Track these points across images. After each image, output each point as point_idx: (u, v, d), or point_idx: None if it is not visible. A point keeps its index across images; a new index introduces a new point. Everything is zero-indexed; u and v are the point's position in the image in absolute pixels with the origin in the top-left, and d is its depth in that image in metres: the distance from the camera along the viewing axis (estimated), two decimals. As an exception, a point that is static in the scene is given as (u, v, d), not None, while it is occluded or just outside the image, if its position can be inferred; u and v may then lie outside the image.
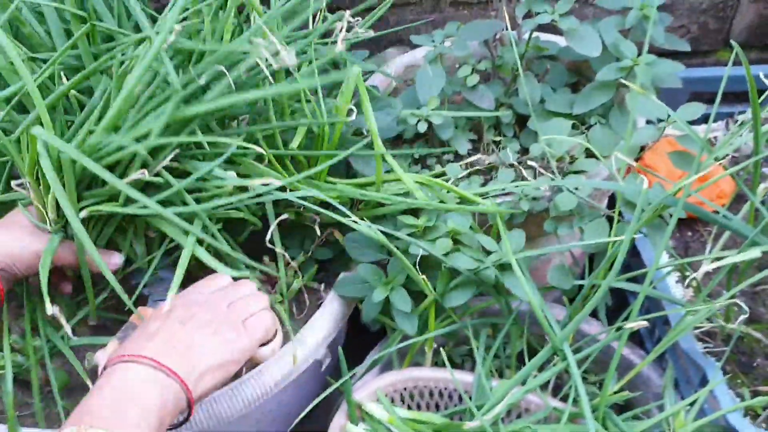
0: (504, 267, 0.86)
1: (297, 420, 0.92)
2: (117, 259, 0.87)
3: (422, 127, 0.99)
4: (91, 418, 0.62)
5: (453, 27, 1.06)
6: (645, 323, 0.79)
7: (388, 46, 1.24)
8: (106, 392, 0.65)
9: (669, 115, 0.90)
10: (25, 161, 0.79)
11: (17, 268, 0.80)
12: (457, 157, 1.03)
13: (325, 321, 0.92)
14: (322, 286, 0.98)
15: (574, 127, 1.00)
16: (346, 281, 0.93)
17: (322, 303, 0.95)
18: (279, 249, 0.90)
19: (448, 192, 0.92)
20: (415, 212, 0.92)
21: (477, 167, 1.00)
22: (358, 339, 1.00)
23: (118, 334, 0.78)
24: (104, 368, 0.69)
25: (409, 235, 0.87)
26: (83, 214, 0.78)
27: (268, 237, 0.86)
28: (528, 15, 0.99)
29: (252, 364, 0.81)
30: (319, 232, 0.93)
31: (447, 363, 0.86)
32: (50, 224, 0.82)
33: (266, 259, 0.96)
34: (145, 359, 0.67)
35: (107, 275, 0.76)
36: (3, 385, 0.83)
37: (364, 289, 0.91)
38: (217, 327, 0.74)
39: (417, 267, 0.87)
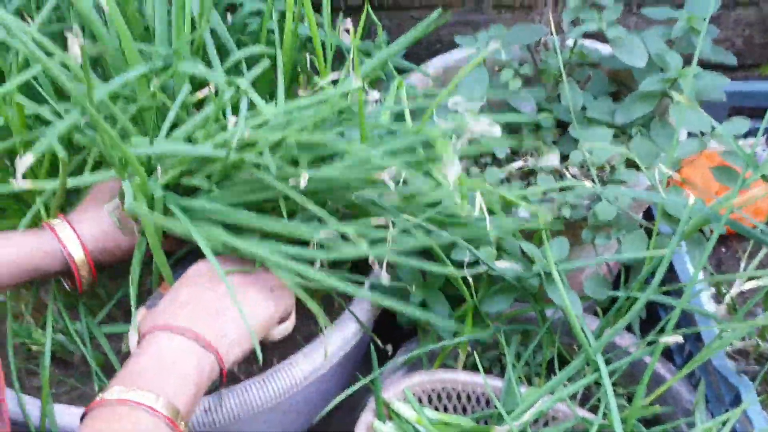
0: (545, 274, 0.86)
1: (321, 415, 0.92)
2: None
3: None
4: (136, 380, 0.63)
5: (497, 30, 1.06)
6: (680, 338, 0.79)
7: (427, 46, 1.24)
8: (144, 360, 0.66)
9: (713, 129, 0.89)
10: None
11: (104, 260, 0.82)
12: (495, 160, 1.02)
13: (357, 316, 0.92)
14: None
15: (614, 136, 0.99)
16: (380, 283, 0.93)
17: (353, 299, 0.96)
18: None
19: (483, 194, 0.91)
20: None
21: (514, 172, 1.00)
22: (385, 333, 1.00)
23: (147, 303, 0.79)
24: (141, 337, 0.70)
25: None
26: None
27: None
28: (574, 22, 0.98)
29: (267, 340, 0.81)
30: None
31: (480, 368, 0.86)
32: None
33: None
34: (180, 329, 0.68)
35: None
36: (41, 361, 0.85)
37: (400, 292, 0.91)
38: (245, 292, 0.74)
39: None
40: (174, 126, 0.81)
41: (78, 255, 0.78)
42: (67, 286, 0.85)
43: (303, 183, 0.71)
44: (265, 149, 0.72)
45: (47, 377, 0.82)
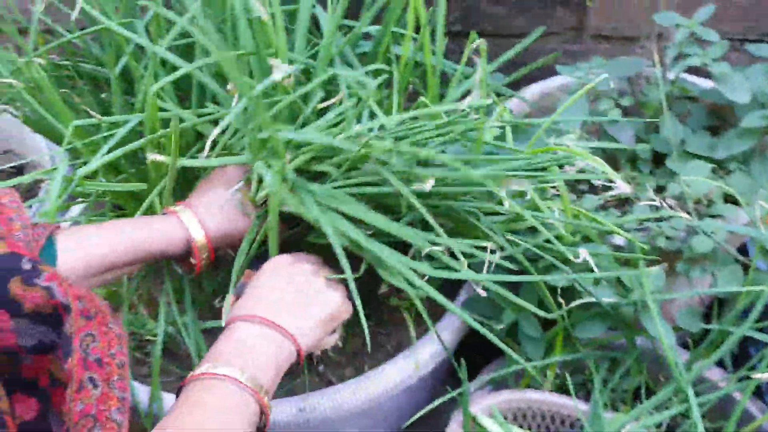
0: (641, 304, 0.87)
1: (408, 423, 0.96)
2: None
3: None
4: (223, 358, 0.69)
5: (598, 61, 1.08)
6: (773, 376, 0.79)
7: (525, 74, 1.26)
8: (230, 344, 0.72)
9: (817, 169, 0.89)
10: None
11: (224, 242, 0.86)
12: (591, 187, 1.04)
13: (446, 332, 0.95)
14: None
15: (712, 170, 0.99)
16: (474, 300, 0.96)
17: (444, 314, 0.99)
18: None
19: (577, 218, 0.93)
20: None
21: (610, 199, 1.01)
22: (476, 347, 1.02)
23: (234, 290, 0.84)
24: (226, 326, 0.76)
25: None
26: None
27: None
28: (678, 56, 1.00)
29: (316, 352, 0.86)
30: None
31: (572, 390, 0.87)
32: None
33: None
34: (258, 318, 0.74)
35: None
36: (152, 350, 0.91)
37: (492, 310, 0.94)
38: (319, 285, 0.80)
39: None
40: (304, 124, 0.88)
41: (199, 239, 0.82)
42: (180, 270, 0.92)
43: (428, 186, 0.75)
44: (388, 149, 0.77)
45: (158, 366, 0.88)
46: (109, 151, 0.87)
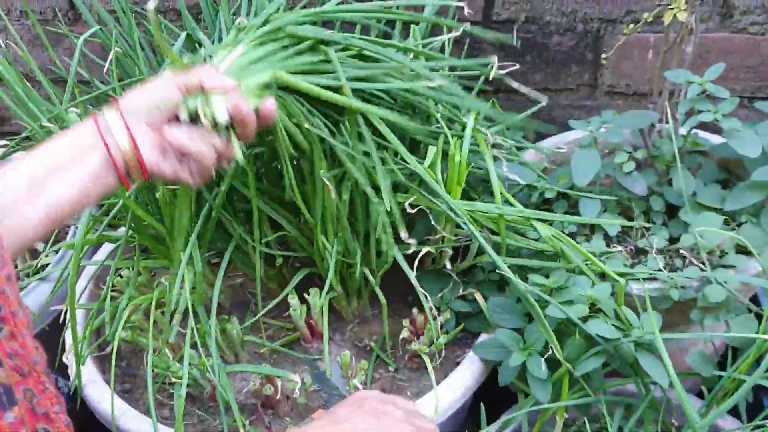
0: (641, 345, 0.89)
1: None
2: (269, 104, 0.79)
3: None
4: None
5: (609, 114, 1.12)
6: (787, 424, 0.80)
7: (539, 128, 1.31)
8: None
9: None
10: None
11: (149, 102, 0.73)
12: (606, 238, 1.07)
13: (465, 379, 0.97)
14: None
15: (724, 222, 1.02)
16: (485, 344, 0.99)
17: (460, 360, 1.01)
18: (426, 303, 0.96)
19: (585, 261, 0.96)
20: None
21: (623, 250, 1.04)
22: (493, 394, 1.04)
23: (300, 425, 0.84)
24: None
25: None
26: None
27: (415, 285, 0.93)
28: (689, 112, 1.03)
29: None
30: (459, 282, 0.99)
31: (587, 433, 0.89)
32: None
33: (415, 310, 1.03)
34: None
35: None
36: (176, 391, 0.93)
37: (502, 353, 0.96)
38: (396, 427, 0.73)
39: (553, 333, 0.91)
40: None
41: (117, 129, 0.71)
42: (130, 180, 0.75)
43: None
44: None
45: (182, 405, 0.90)
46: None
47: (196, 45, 1.14)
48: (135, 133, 0.71)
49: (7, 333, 0.55)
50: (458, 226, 0.98)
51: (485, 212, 0.96)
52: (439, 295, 1.05)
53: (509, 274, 0.90)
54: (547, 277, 0.95)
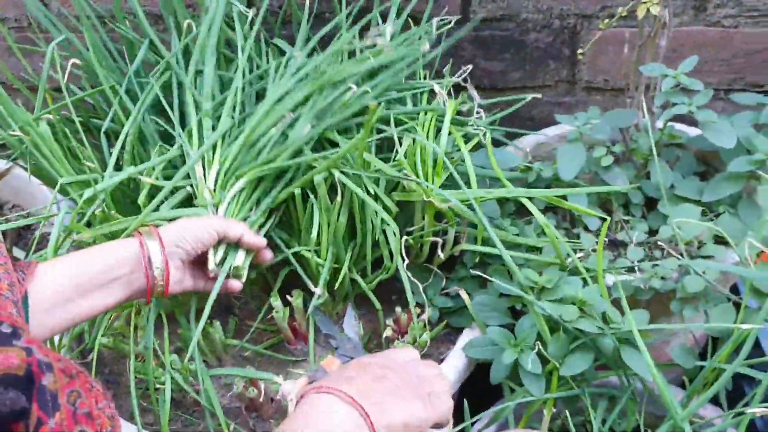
0: (624, 340, 0.89)
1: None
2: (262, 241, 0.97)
3: None
4: None
5: (595, 112, 1.13)
6: (767, 410, 0.81)
7: (519, 125, 1.31)
8: (312, 418, 0.70)
9: (802, 210, 0.92)
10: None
11: (186, 242, 0.89)
12: (586, 231, 1.07)
13: (449, 374, 0.97)
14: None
15: (702, 214, 1.03)
16: (475, 343, 0.99)
17: (444, 356, 1.01)
18: (410, 296, 0.96)
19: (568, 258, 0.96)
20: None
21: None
22: (477, 391, 1.04)
23: (308, 373, 0.83)
24: (301, 396, 0.73)
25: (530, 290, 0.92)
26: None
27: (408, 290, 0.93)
28: (664, 105, 1.04)
29: None
30: (443, 277, 0.99)
31: (572, 429, 0.89)
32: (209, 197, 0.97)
33: (398, 309, 1.03)
34: (346, 396, 0.71)
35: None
36: (160, 396, 0.92)
37: (493, 351, 0.96)
38: (405, 393, 0.75)
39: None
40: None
41: (156, 258, 0.86)
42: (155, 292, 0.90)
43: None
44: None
45: (168, 410, 0.90)
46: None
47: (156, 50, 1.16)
48: (170, 266, 0.88)
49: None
50: (437, 217, 0.99)
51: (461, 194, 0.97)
52: (422, 290, 1.05)
53: (514, 267, 0.92)
54: (540, 274, 0.95)
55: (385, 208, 0.99)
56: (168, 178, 1.01)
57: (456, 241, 1.04)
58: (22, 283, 0.75)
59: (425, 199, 0.95)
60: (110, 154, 1.03)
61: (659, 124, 1.10)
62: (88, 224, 0.99)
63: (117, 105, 1.07)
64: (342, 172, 0.96)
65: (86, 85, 1.18)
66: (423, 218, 1.00)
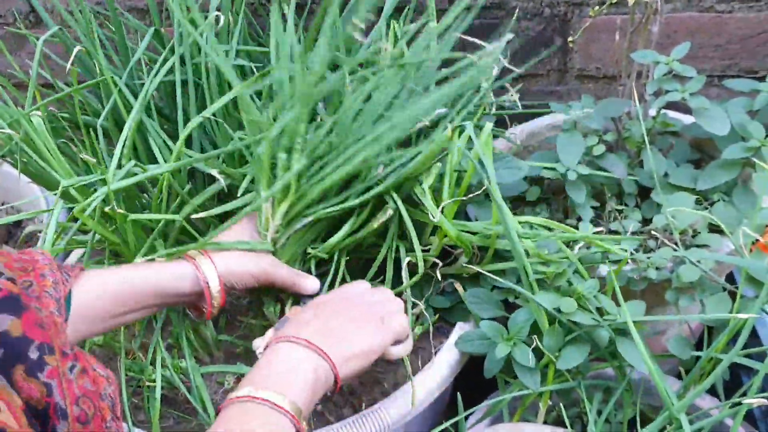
0: (619, 331, 0.89)
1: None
2: (315, 284, 0.96)
3: (572, 176, 1.04)
4: (264, 381, 0.72)
5: (588, 100, 1.11)
6: (765, 401, 0.80)
7: (511, 115, 1.30)
8: (270, 365, 0.75)
9: (797, 197, 0.91)
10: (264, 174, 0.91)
11: (236, 283, 0.90)
12: (580, 221, 1.06)
13: (441, 368, 0.96)
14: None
15: (696, 202, 1.02)
16: (467, 337, 0.98)
17: (438, 350, 1.00)
18: (407, 295, 0.95)
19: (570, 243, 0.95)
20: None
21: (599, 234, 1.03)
22: (470, 385, 1.03)
23: (276, 325, 0.86)
24: (265, 347, 0.80)
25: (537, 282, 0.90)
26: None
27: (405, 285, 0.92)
28: (657, 92, 1.03)
29: (384, 359, 0.86)
30: (439, 275, 0.98)
31: (567, 422, 0.88)
32: (271, 233, 0.94)
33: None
34: (302, 341, 0.77)
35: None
36: (150, 395, 0.91)
37: (486, 345, 0.95)
38: (361, 321, 0.83)
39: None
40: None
41: (213, 281, 0.86)
42: (192, 315, 0.95)
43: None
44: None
45: (158, 408, 0.89)
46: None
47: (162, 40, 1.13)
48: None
49: (78, 370, 0.64)
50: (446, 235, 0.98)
51: (476, 232, 0.97)
52: (423, 301, 1.03)
53: (528, 293, 0.90)
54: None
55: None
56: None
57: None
58: (66, 283, 0.76)
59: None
60: (107, 150, 1.02)
61: (652, 111, 1.09)
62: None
63: (117, 95, 1.03)
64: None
65: (76, 82, 1.16)
66: (433, 233, 0.99)
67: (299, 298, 0.97)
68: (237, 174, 0.99)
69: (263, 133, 0.89)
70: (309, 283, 0.95)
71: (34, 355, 0.61)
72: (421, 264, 0.95)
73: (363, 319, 0.84)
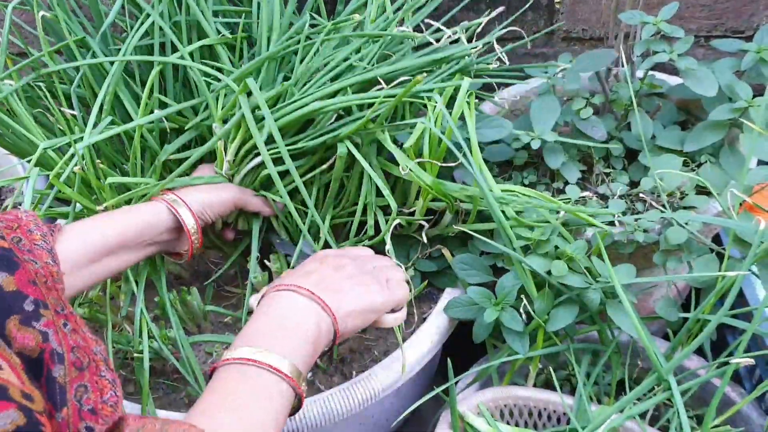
0: (609, 294, 0.89)
1: (396, 423, 0.96)
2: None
3: (535, 144, 1.02)
4: (261, 340, 0.69)
5: (566, 58, 1.10)
6: (751, 360, 0.81)
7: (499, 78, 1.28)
8: (269, 319, 0.72)
9: (784, 158, 0.91)
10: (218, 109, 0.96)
11: (208, 212, 0.92)
12: (567, 185, 1.06)
13: (430, 334, 0.96)
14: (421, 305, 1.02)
15: (684, 164, 1.02)
16: (455, 303, 0.97)
17: (427, 315, 1.00)
18: (389, 250, 0.95)
19: (557, 212, 0.94)
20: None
21: (586, 198, 1.03)
22: (459, 350, 1.04)
23: (270, 284, 0.83)
24: (263, 296, 0.77)
25: (521, 249, 0.90)
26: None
27: (387, 246, 0.91)
28: (644, 53, 1.02)
29: (376, 326, 0.85)
30: (425, 238, 0.97)
31: (556, 384, 0.89)
32: (225, 169, 0.97)
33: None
34: (304, 290, 0.75)
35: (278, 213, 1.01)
36: (137, 367, 0.91)
37: (474, 310, 0.95)
38: (363, 279, 0.81)
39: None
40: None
41: (185, 214, 0.89)
42: (174, 260, 0.97)
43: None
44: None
45: (147, 378, 0.89)
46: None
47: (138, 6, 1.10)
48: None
49: (70, 329, 0.63)
50: (433, 199, 0.97)
51: (456, 190, 0.96)
52: (410, 263, 1.03)
53: (518, 256, 0.90)
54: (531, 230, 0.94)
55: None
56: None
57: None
58: (53, 234, 0.75)
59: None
60: (84, 118, 1.00)
61: (640, 73, 1.08)
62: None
63: (88, 60, 1.01)
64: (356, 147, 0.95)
65: (47, 47, 1.13)
66: (417, 196, 0.98)
67: (289, 263, 0.97)
68: (204, 126, 1.01)
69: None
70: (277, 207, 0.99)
71: (29, 307, 0.61)
72: (394, 214, 0.95)
73: (367, 277, 0.82)
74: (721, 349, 0.94)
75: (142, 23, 1.03)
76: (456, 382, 0.97)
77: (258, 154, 0.95)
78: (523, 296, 0.91)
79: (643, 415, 0.95)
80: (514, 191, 0.95)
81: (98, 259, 0.80)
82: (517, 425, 0.94)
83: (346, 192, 1.01)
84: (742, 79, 1.02)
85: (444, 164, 0.92)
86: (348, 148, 0.93)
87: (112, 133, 0.92)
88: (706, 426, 0.84)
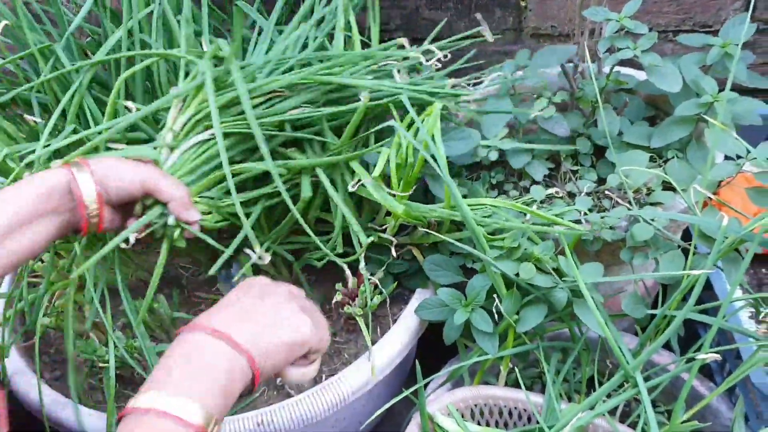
0: (577, 293, 0.89)
1: (366, 425, 0.96)
2: (195, 215, 0.85)
3: (493, 156, 1.03)
4: (169, 383, 0.63)
5: (524, 55, 1.10)
6: (717, 356, 0.81)
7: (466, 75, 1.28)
8: (177, 360, 0.66)
9: (748, 152, 0.91)
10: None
11: (116, 190, 0.80)
12: (534, 184, 1.06)
13: (401, 335, 0.96)
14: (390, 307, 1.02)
15: (651, 159, 1.02)
16: (426, 305, 0.97)
17: (397, 318, 0.99)
18: (363, 267, 0.94)
19: (525, 214, 0.94)
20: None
21: (554, 195, 1.03)
22: (430, 351, 1.03)
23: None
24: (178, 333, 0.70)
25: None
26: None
27: (362, 263, 0.91)
28: (610, 49, 1.02)
29: (283, 380, 0.80)
30: (394, 253, 0.96)
31: (522, 384, 0.89)
32: (168, 138, 0.88)
33: (348, 273, 1.00)
34: (213, 330, 0.67)
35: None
36: (105, 375, 0.90)
37: (444, 312, 0.95)
38: (292, 309, 0.74)
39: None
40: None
41: (87, 188, 0.78)
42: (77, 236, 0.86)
43: None
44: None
45: (113, 387, 0.88)
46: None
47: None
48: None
49: None
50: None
51: (427, 212, 0.95)
52: (382, 269, 1.02)
53: (483, 243, 0.89)
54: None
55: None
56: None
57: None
58: None
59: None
60: (42, 121, 0.98)
61: (606, 69, 1.08)
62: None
63: (49, 67, 0.99)
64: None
65: (9, 55, 1.11)
66: (388, 213, 0.98)
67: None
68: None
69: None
70: (191, 213, 0.84)
71: None
72: (362, 237, 0.93)
73: (293, 306, 0.75)
74: (693, 343, 0.94)
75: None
76: (428, 383, 0.97)
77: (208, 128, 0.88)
78: (494, 296, 0.90)
79: (613, 412, 0.95)
80: (483, 205, 0.95)
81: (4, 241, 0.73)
82: (488, 425, 0.94)
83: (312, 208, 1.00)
84: (708, 73, 1.02)
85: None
86: (311, 184, 0.93)
87: (73, 139, 0.91)
88: (675, 420, 0.84)
